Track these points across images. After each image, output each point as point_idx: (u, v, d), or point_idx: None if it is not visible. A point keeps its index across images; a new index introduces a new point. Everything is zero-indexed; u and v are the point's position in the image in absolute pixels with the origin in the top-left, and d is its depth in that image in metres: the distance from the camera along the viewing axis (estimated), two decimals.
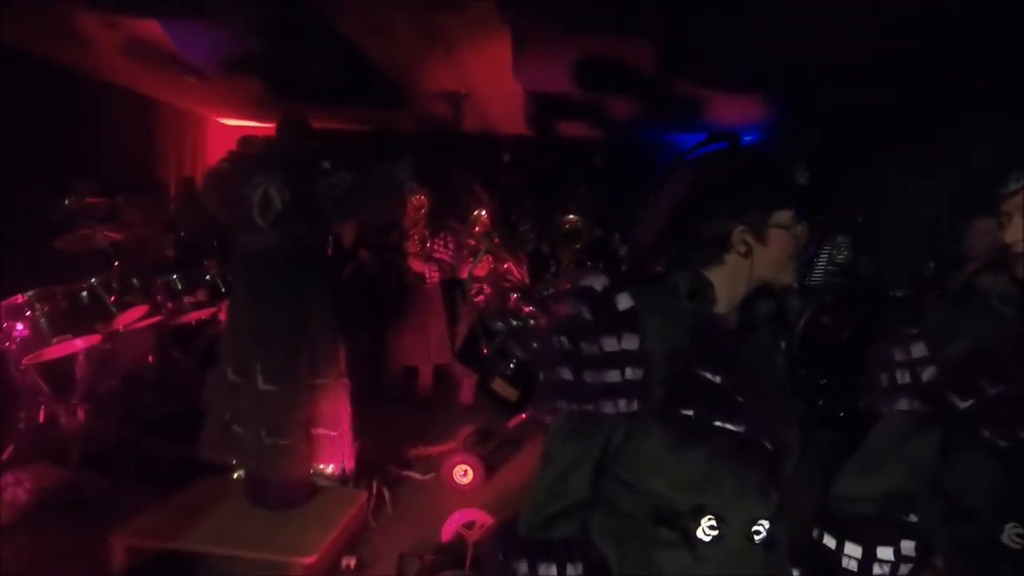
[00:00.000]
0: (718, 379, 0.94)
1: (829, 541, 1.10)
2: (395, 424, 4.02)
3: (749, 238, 0.99)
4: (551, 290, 3.11)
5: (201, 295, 3.75)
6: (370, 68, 4.72)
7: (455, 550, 2.47)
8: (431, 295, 4.59)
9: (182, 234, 4.43)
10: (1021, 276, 1.04)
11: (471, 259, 3.90)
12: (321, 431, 2.81)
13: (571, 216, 3.85)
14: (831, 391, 3.15)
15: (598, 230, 4.00)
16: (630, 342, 0.94)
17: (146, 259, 3.89)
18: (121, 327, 3.34)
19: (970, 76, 3.62)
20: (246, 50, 4.18)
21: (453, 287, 4.65)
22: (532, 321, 2.97)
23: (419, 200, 4.47)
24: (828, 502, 1.16)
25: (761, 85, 4.80)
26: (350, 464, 2.88)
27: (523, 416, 3.34)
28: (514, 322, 2.89)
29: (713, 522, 0.94)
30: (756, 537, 0.95)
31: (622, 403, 0.94)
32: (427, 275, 4.55)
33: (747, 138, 6.70)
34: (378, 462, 3.33)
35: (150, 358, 3.67)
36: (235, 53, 4.28)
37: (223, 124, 6.58)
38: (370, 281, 4.07)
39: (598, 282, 0.99)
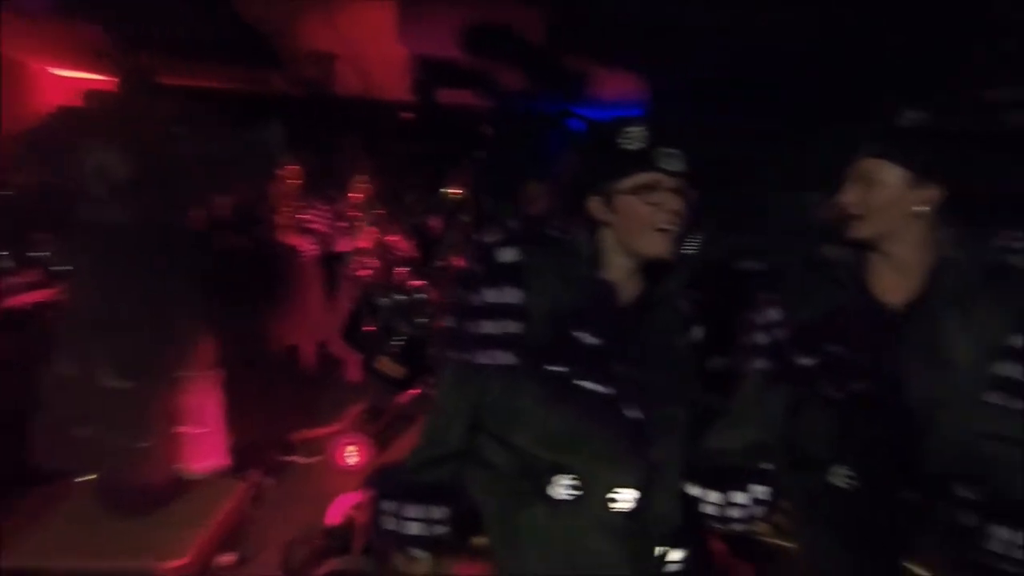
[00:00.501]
0: (594, 342, 0.96)
1: (694, 490, 1.17)
2: (278, 407, 3.79)
3: (604, 208, 1.01)
4: (441, 262, 3.04)
5: (33, 274, 3.24)
6: (237, 21, 4.29)
7: (343, 534, 2.39)
8: (308, 269, 4.33)
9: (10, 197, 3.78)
10: (853, 236, 1.13)
11: (349, 232, 3.72)
12: (187, 429, 2.56)
13: (459, 186, 3.78)
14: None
15: (488, 201, 3.96)
16: (511, 295, 0.97)
17: None
18: None
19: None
20: None
21: (332, 261, 4.42)
22: (420, 295, 2.89)
23: (292, 171, 4.15)
24: (696, 456, 1.21)
25: (644, 64, 4.97)
26: (222, 461, 2.66)
27: (416, 391, 3.28)
28: (400, 297, 2.79)
29: (573, 482, 0.97)
30: (613, 504, 0.97)
31: (498, 355, 0.96)
32: (304, 247, 4.28)
33: (632, 113, 6.94)
34: (259, 449, 3.13)
35: None
36: None
37: (55, 75, 5.68)
38: (242, 257, 3.74)
39: (490, 236, 1.01)
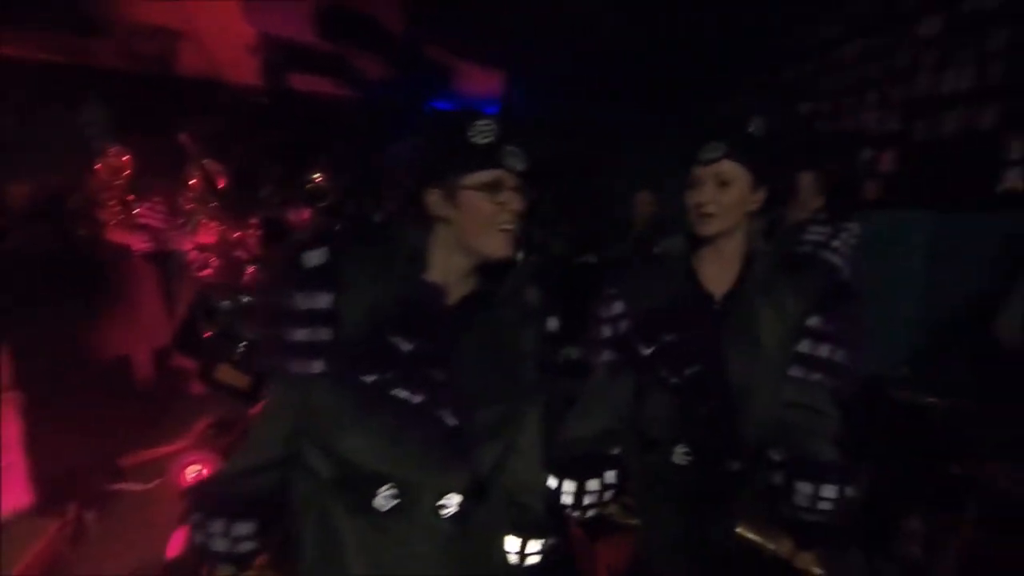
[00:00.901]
0: (408, 347, 0.93)
1: (552, 481, 1.18)
2: (103, 428, 3.32)
3: (444, 202, 0.97)
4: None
5: None
6: None
7: (188, 566, 2.15)
8: (141, 269, 3.82)
9: None
10: (705, 232, 1.17)
11: (187, 227, 3.35)
12: None
13: (316, 175, 3.55)
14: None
15: (347, 192, 3.77)
16: (321, 300, 0.93)
17: None
18: None
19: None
20: None
21: (163, 260, 3.95)
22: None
23: (119, 160, 3.64)
24: (552, 448, 1.23)
25: (504, 61, 5.04)
26: (26, 498, 2.26)
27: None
28: (244, 298, 2.55)
29: (394, 491, 0.94)
30: (443, 511, 0.96)
31: (310, 363, 0.93)
32: (136, 245, 3.78)
33: (488, 110, 7.04)
34: (78, 479, 2.72)
35: None
36: None
37: None
38: (52, 257, 3.20)
39: (300, 238, 0.97)
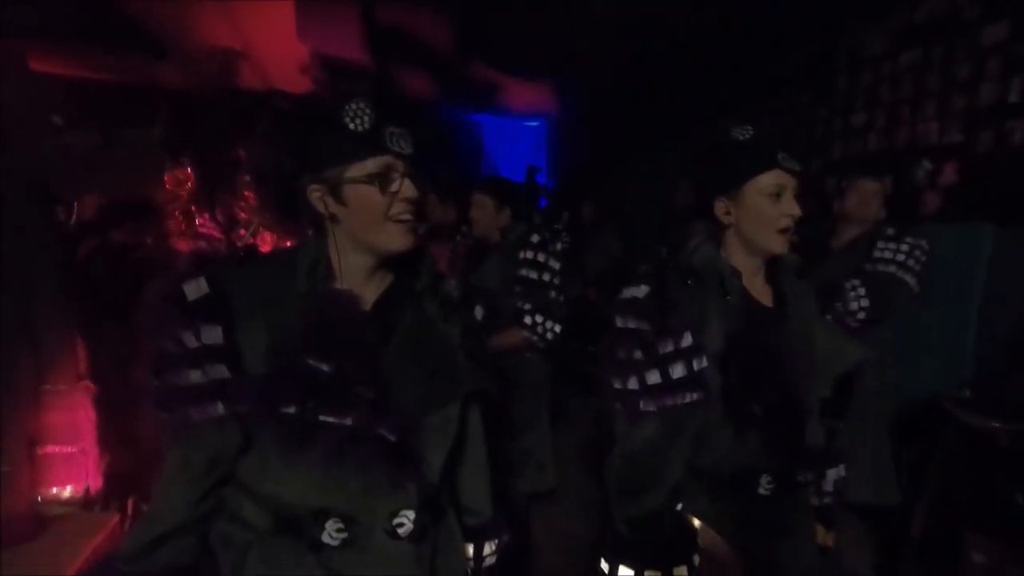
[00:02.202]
0: (326, 367, 0.83)
1: (625, 573, 1.06)
2: (159, 429, 3.48)
3: (328, 199, 0.87)
4: None
5: None
6: (121, 9, 3.96)
7: None
8: None
9: None
10: (782, 249, 1.11)
11: (247, 236, 3.51)
12: (52, 449, 2.30)
13: None
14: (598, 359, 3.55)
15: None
16: (210, 335, 0.83)
17: None
18: None
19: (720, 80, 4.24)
20: None
21: None
22: None
23: (184, 173, 3.86)
24: (615, 530, 1.09)
25: (548, 76, 5.09)
26: (96, 483, 2.41)
27: None
28: None
29: (340, 524, 0.86)
30: (400, 530, 0.88)
31: (210, 407, 0.83)
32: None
33: (534, 123, 7.11)
34: (139, 475, 2.85)
35: None
36: None
37: None
38: (116, 264, 3.41)
39: (181, 268, 0.86)
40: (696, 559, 1.07)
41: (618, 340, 1.06)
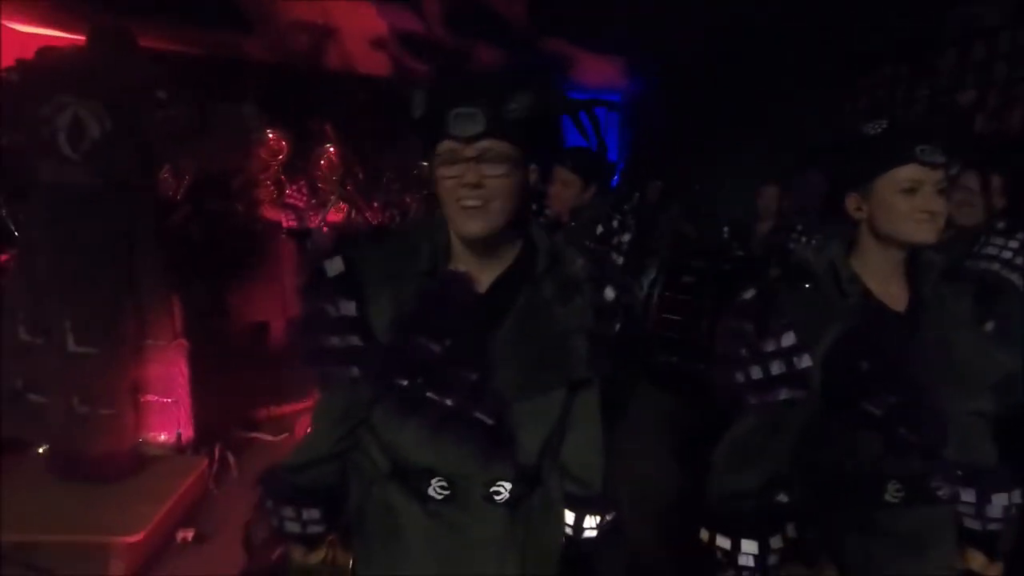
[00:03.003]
0: (435, 347, 0.90)
1: (723, 542, 1.12)
2: (243, 384, 3.72)
3: (433, 179, 0.93)
4: None
5: None
6: None
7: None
8: (285, 245, 4.25)
9: None
10: (928, 241, 1.07)
11: (320, 207, 3.66)
12: (152, 398, 2.51)
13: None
14: (684, 350, 3.45)
15: None
16: (347, 308, 0.93)
17: None
18: None
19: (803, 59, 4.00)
20: None
21: (303, 237, 4.33)
22: None
23: (277, 144, 4.06)
24: (709, 501, 1.17)
25: (622, 51, 4.95)
26: (187, 432, 2.62)
27: None
28: None
29: (444, 483, 0.95)
30: (496, 497, 0.96)
31: (346, 370, 0.94)
32: (284, 223, 4.20)
33: (607, 99, 6.95)
34: (223, 425, 3.08)
35: None
36: None
37: (14, 30, 5.43)
38: (208, 230, 3.65)
39: (320, 244, 0.98)
40: (791, 531, 1.12)
41: (726, 338, 1.16)
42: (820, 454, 1.14)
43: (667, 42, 4.43)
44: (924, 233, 1.05)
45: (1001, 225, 2.01)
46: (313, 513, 1.03)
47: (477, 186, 0.86)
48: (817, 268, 1.14)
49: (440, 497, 0.95)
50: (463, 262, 0.95)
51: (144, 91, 2.31)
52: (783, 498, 1.15)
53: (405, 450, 0.96)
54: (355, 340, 0.93)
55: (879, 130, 1.08)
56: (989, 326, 1.08)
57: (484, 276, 0.95)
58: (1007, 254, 1.95)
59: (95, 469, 2.34)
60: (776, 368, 1.09)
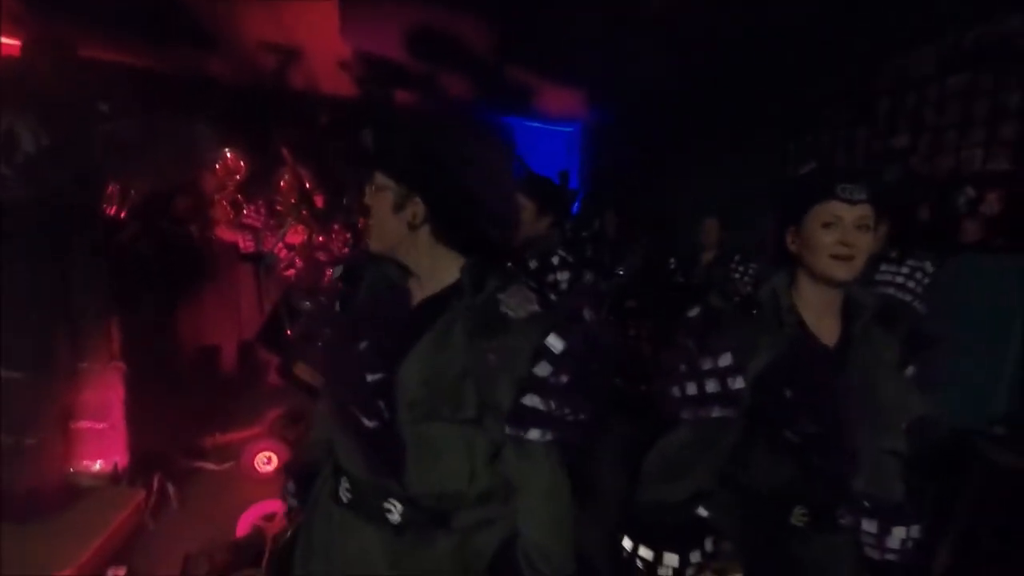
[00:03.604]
0: (354, 347, 0.99)
1: (645, 553, 1.15)
2: (189, 410, 3.58)
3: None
4: None
5: None
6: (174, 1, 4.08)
7: (251, 545, 2.28)
8: (239, 266, 4.13)
9: None
10: (842, 278, 1.11)
11: (278, 228, 3.59)
12: (85, 424, 2.39)
13: None
14: (629, 376, 3.50)
15: None
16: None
17: None
18: None
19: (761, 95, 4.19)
20: None
21: (258, 259, 4.22)
22: None
23: (235, 164, 3.97)
24: (635, 510, 1.20)
25: (585, 81, 5.08)
26: (123, 460, 2.49)
27: None
28: (323, 300, 2.69)
29: (348, 485, 1.02)
30: (388, 516, 0.98)
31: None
32: (241, 244, 4.09)
33: (567, 128, 7.10)
34: (164, 453, 2.94)
35: None
36: None
37: None
38: (157, 249, 3.51)
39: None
40: (708, 546, 1.15)
41: (670, 351, 1.20)
42: (738, 473, 1.19)
43: (626, 74, 4.56)
44: (839, 270, 1.11)
45: (893, 254, 2.18)
46: (291, 487, 1.20)
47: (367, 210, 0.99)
48: (761, 296, 1.20)
49: (346, 500, 1.02)
50: (404, 279, 1.04)
51: (85, 104, 2.25)
52: (703, 512, 1.19)
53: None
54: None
55: (808, 170, 1.16)
56: (910, 370, 1.15)
57: (419, 294, 1.02)
58: (899, 279, 2.11)
59: (20, 505, 2.19)
60: (711, 386, 1.14)
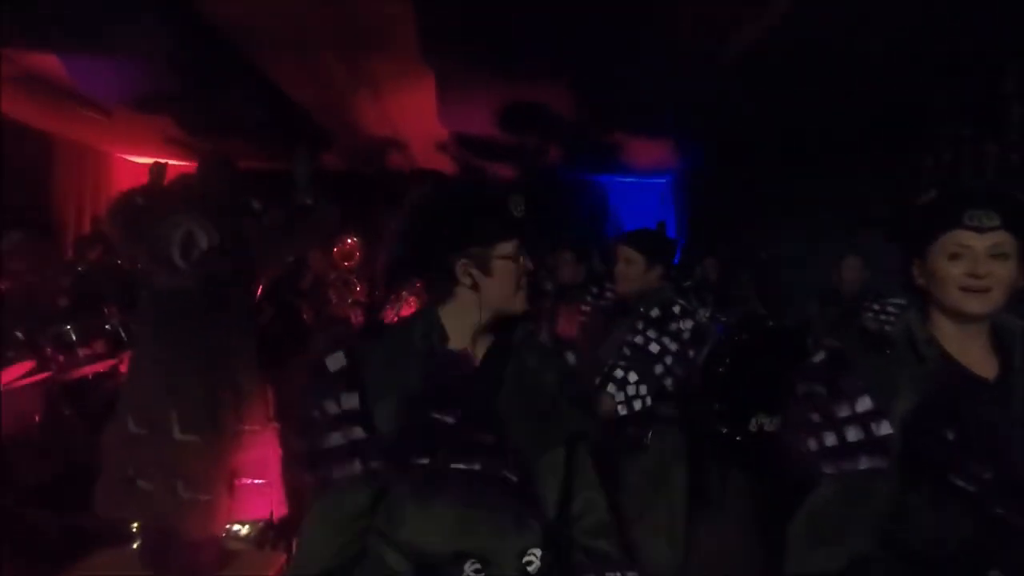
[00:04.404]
0: (450, 419, 0.93)
1: None
2: None
3: (474, 271, 1.00)
4: None
5: (99, 346, 3.43)
6: (293, 107, 4.67)
7: None
8: None
9: (81, 273, 4.05)
10: (977, 312, 1.03)
11: (393, 305, 3.82)
12: (247, 481, 2.60)
13: None
14: (728, 418, 3.34)
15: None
16: (348, 401, 0.94)
17: (34, 309, 3.53)
18: (1, 385, 2.99)
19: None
20: (159, 87, 4.01)
21: None
22: None
23: (351, 248, 4.34)
24: None
25: (674, 133, 5.11)
26: (280, 510, 2.68)
27: None
28: None
29: (477, 565, 0.93)
30: (529, 568, 0.95)
31: (349, 465, 0.92)
32: (353, 319, 4.41)
33: (659, 180, 7.10)
34: (301, 518, 3.11)
35: (36, 417, 3.29)
36: (146, 90, 4.10)
37: (130, 161, 6.22)
38: (287, 328, 3.87)
39: (320, 346, 1.01)
40: None
41: (797, 403, 1.10)
42: (908, 534, 1.03)
43: (717, 121, 4.55)
44: (972, 303, 1.01)
45: None
46: None
47: (530, 273, 1.06)
48: (893, 334, 1.10)
49: None
50: (458, 342, 1.02)
51: (243, 206, 2.60)
52: None
53: (426, 540, 0.94)
54: (359, 433, 0.93)
55: (929, 197, 1.08)
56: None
57: (477, 351, 1.04)
58: None
59: (182, 562, 2.39)
60: (853, 434, 1.02)
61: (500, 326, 1.06)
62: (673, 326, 2.04)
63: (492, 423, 0.95)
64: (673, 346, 2.02)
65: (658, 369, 2.00)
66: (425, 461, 0.91)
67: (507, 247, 1.01)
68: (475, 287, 1.00)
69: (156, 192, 2.62)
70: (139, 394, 2.40)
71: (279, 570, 2.65)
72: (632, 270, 2.16)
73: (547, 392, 1.05)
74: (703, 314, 2.14)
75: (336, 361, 0.96)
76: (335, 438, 0.93)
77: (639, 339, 2.03)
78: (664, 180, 7.07)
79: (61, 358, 3.31)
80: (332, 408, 0.94)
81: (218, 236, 2.43)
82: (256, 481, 2.59)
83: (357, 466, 0.92)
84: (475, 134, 5.01)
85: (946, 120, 3.70)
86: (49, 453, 3.22)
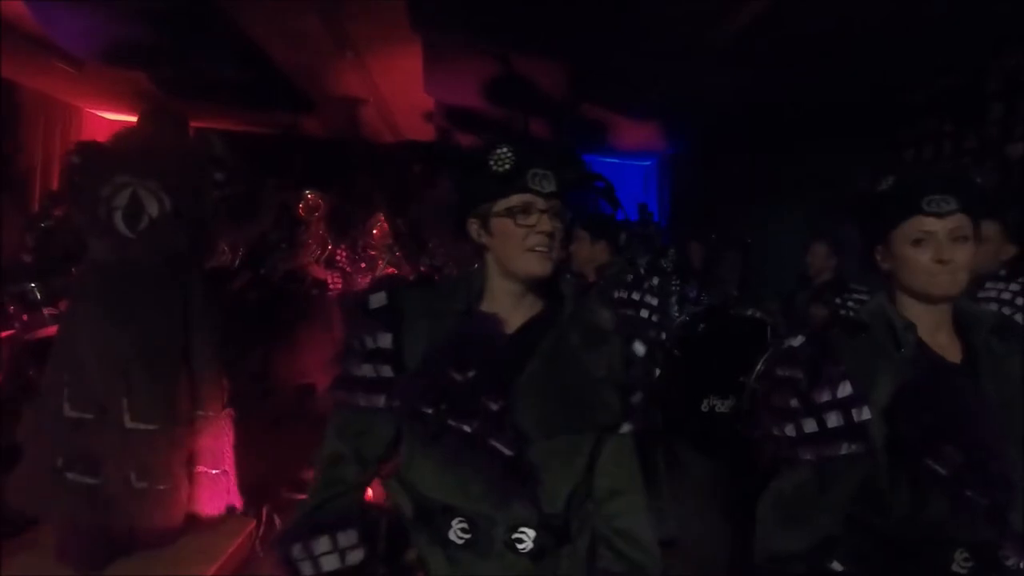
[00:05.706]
0: (459, 377, 0.94)
1: None
2: (288, 445, 3.78)
3: (480, 230, 1.01)
4: None
5: (64, 306, 3.33)
6: (273, 70, 4.53)
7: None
8: (328, 306, 4.37)
9: (45, 230, 3.89)
10: (949, 294, 1.04)
11: (369, 271, 3.78)
12: (202, 469, 2.44)
13: None
14: (681, 397, 3.46)
15: None
16: (383, 340, 1.00)
17: None
18: None
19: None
20: (132, 40, 3.84)
21: None
22: None
23: (313, 200, 4.25)
24: (758, 561, 1.10)
25: (661, 115, 5.09)
26: (236, 502, 2.58)
27: None
28: None
29: (464, 525, 0.95)
30: (519, 546, 0.95)
31: (374, 398, 0.99)
32: (329, 282, 4.34)
33: (644, 162, 7.09)
34: (268, 486, 3.11)
35: None
36: (119, 42, 3.92)
37: (101, 117, 5.99)
38: (264, 294, 3.78)
39: (372, 286, 1.06)
40: None
41: (775, 388, 1.10)
42: (876, 517, 1.06)
43: (703, 105, 4.53)
44: (940, 287, 1.03)
45: (1002, 272, 2.01)
46: (350, 535, 1.00)
47: (549, 235, 0.98)
48: (866, 318, 1.12)
49: (461, 542, 0.95)
50: (496, 305, 1.02)
51: (202, 173, 2.33)
52: (837, 566, 1.06)
53: (426, 486, 0.98)
54: (387, 371, 0.99)
55: (888, 184, 1.08)
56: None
57: (515, 318, 1.02)
58: (1006, 295, 1.94)
59: (151, 540, 2.30)
60: (834, 420, 1.02)
61: (549, 295, 1.05)
62: (646, 284, 2.14)
63: (500, 391, 0.94)
64: (654, 301, 2.10)
65: (652, 333, 2.08)
66: (428, 411, 0.94)
67: (505, 203, 0.98)
68: (485, 247, 1.02)
69: (95, 150, 2.27)
70: (78, 376, 2.14)
71: (248, 535, 2.66)
72: (579, 248, 2.29)
73: (587, 375, 1.00)
74: (653, 282, 2.21)
75: (378, 300, 1.02)
76: (366, 369, 0.99)
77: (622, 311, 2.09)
78: (649, 162, 7.07)
79: (25, 317, 3.22)
80: (368, 343, 1.00)
81: (171, 202, 2.17)
82: (212, 471, 2.47)
83: (381, 400, 0.98)
84: (460, 105, 4.93)
85: (929, 115, 3.75)
86: (10, 414, 3.14)
